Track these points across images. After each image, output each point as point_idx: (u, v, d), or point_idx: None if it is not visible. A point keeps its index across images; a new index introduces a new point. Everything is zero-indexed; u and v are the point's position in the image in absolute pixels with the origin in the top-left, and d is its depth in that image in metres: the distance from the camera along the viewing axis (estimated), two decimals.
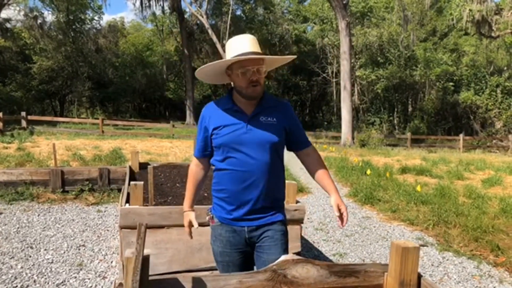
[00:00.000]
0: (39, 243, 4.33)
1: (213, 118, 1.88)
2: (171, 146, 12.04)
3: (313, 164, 1.98)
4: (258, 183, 1.82)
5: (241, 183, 1.82)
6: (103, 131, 16.26)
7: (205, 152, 1.97)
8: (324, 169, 1.97)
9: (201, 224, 3.06)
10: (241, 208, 1.85)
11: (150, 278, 1.40)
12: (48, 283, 3.35)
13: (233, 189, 1.84)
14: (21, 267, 3.66)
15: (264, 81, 1.85)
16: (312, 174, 1.98)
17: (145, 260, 1.36)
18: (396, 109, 27.79)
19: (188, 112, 27.87)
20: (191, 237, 2.05)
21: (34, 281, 3.39)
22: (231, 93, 1.91)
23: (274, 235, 1.87)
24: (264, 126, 1.83)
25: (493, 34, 22.55)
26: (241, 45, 1.80)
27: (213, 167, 1.96)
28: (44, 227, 4.87)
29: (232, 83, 1.89)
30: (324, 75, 29.80)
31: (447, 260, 4.29)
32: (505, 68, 25.40)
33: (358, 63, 26.90)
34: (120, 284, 1.43)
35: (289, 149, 2.01)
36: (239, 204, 1.84)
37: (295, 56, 2.11)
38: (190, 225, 2.00)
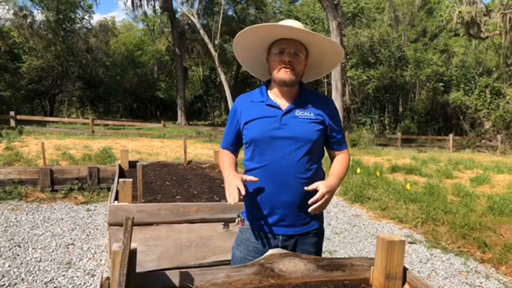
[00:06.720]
0: (27, 242, 4.29)
1: (245, 111, 1.72)
2: (162, 145, 11.99)
3: (335, 162, 1.78)
4: (291, 184, 1.62)
5: (273, 183, 1.63)
6: (93, 131, 16.13)
7: (234, 146, 1.83)
8: (343, 165, 1.74)
9: (191, 221, 3.07)
10: (275, 212, 1.66)
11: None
12: (36, 281, 3.33)
13: (265, 189, 1.64)
14: (9, 266, 3.62)
15: (301, 71, 1.68)
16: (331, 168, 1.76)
17: (132, 254, 1.36)
18: (386, 109, 27.96)
19: (179, 112, 27.77)
20: (241, 197, 1.55)
21: (22, 279, 3.36)
22: (267, 85, 1.77)
23: (308, 249, 1.72)
24: (300, 121, 1.65)
25: (482, 35, 22.81)
26: (289, 22, 1.64)
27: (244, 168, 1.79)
28: (33, 226, 4.82)
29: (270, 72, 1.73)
30: None
31: (435, 256, 4.34)
32: (494, 69, 25.71)
33: (349, 64, 27.00)
34: (107, 278, 1.43)
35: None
36: (272, 207, 1.66)
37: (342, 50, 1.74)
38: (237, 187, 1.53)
